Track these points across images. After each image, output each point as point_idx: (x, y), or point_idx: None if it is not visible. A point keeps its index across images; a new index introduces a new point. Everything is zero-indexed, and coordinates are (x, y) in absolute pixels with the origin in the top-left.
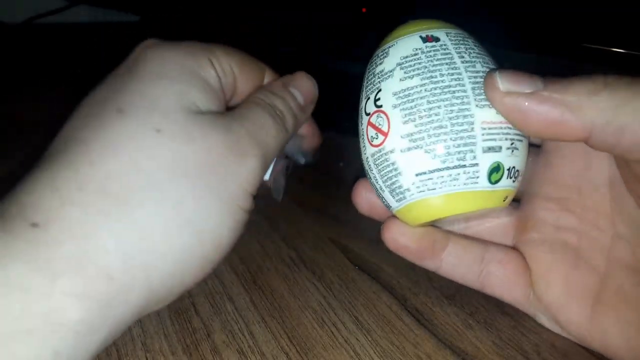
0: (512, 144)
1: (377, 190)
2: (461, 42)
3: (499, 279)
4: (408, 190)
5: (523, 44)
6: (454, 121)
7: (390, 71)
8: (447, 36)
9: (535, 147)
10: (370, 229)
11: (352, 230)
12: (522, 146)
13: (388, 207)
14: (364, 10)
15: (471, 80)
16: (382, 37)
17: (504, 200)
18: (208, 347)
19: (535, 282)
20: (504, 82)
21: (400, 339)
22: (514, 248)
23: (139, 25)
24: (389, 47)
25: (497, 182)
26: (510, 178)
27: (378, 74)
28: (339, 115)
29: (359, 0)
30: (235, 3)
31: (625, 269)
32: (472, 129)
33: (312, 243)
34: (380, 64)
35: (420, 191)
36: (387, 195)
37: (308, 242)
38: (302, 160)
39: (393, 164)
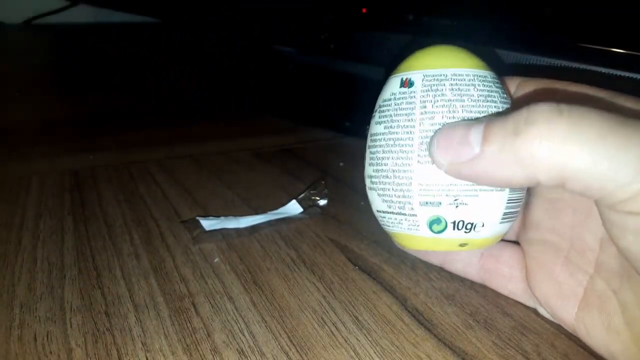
0: (455, 199)
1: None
2: (434, 87)
3: (494, 274)
4: (377, 219)
5: (520, 44)
6: (397, 174)
7: (375, 111)
8: (423, 81)
9: None
10: (370, 229)
11: (352, 230)
12: (476, 200)
13: None
14: (364, 10)
15: (422, 134)
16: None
17: (461, 246)
18: (208, 347)
19: (529, 278)
20: (440, 156)
21: (400, 339)
22: (516, 243)
23: (141, 27)
24: (387, 81)
25: (440, 232)
26: (460, 229)
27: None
28: (339, 115)
29: (359, 0)
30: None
31: (613, 273)
32: (410, 184)
33: (312, 243)
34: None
35: (382, 224)
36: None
37: (308, 242)
38: None
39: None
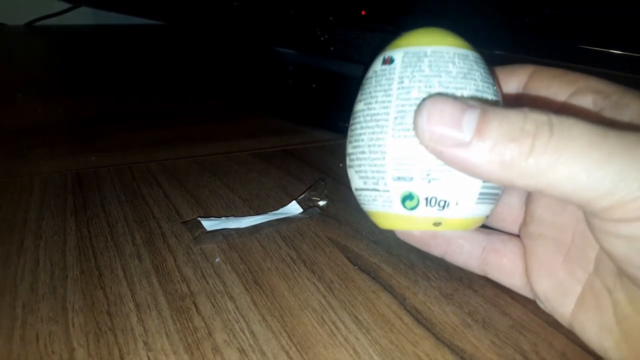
0: (428, 174)
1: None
2: (413, 64)
3: (497, 267)
4: (356, 198)
5: (518, 46)
6: (372, 149)
7: (359, 90)
8: (403, 57)
9: None
10: (370, 229)
11: (351, 230)
12: (449, 176)
13: None
14: (363, 13)
15: (398, 109)
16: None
17: (435, 225)
18: (209, 346)
19: (528, 272)
20: (428, 123)
21: (399, 338)
22: (518, 237)
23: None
24: (373, 61)
25: (413, 208)
26: (433, 206)
27: None
28: (339, 116)
29: (358, 2)
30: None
31: (609, 271)
32: (384, 158)
33: (312, 243)
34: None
35: (360, 202)
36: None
37: (308, 242)
38: None
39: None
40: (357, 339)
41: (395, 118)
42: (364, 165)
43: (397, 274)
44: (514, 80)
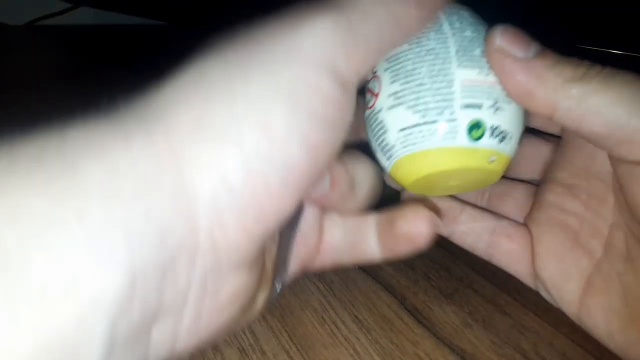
0: (495, 103)
1: (373, 152)
2: (455, 12)
3: (505, 252)
4: (394, 147)
5: None
6: (434, 79)
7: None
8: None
9: (557, 138)
10: None
11: None
12: (509, 107)
13: (383, 169)
14: None
15: (457, 43)
16: None
17: (489, 162)
18: (209, 345)
19: (535, 259)
20: (500, 39)
21: (399, 338)
22: (524, 225)
23: (143, 29)
24: None
25: (478, 139)
26: (495, 137)
27: None
28: None
29: None
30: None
31: (618, 257)
32: (451, 86)
33: None
34: None
35: (404, 146)
36: (380, 155)
37: None
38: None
39: (381, 122)
40: (358, 338)
41: (457, 51)
42: (425, 97)
43: (398, 273)
44: None
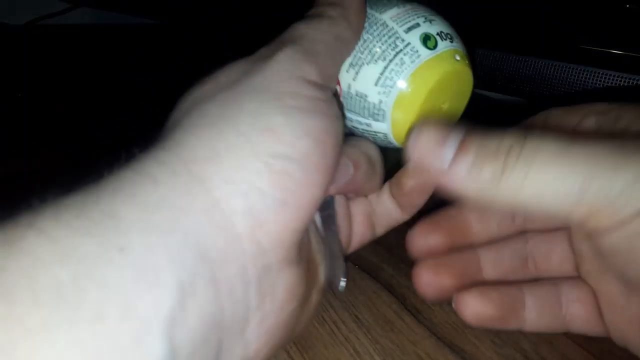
0: (425, 19)
1: (365, 134)
2: None
3: (583, 318)
4: (380, 102)
5: (520, 47)
6: (371, 32)
7: None
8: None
9: None
10: None
11: None
12: (438, 17)
13: (386, 137)
14: None
15: (369, 5)
16: None
17: (456, 60)
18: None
19: (602, 312)
20: (414, 155)
21: (400, 338)
22: (580, 279)
23: (143, 29)
24: None
25: (435, 46)
26: (446, 39)
27: None
28: None
29: None
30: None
31: None
32: (387, 26)
33: None
34: None
35: (386, 94)
36: (376, 126)
37: None
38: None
39: (355, 94)
40: (358, 338)
41: (371, 7)
42: (375, 46)
43: (398, 273)
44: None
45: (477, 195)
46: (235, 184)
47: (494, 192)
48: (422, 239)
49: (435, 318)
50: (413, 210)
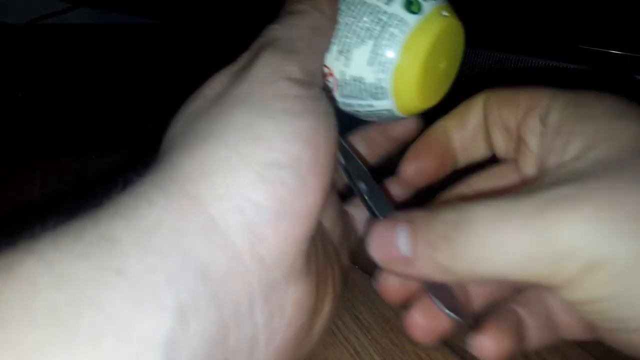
0: None
1: (369, 115)
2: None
3: (574, 327)
4: (380, 79)
5: (516, 46)
6: (351, 15)
7: None
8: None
9: None
10: None
11: None
12: None
13: (393, 112)
14: None
15: None
16: None
17: (445, 16)
18: None
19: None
20: (375, 254)
21: (399, 338)
22: None
23: (143, 29)
24: None
25: (420, 9)
26: (427, 0)
27: None
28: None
29: None
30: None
31: None
32: (364, 2)
33: None
34: None
35: (384, 71)
36: (379, 104)
37: None
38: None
39: (353, 80)
40: (358, 338)
41: None
42: (360, 27)
43: None
44: (472, 118)
45: (450, 279)
46: (228, 199)
47: (459, 273)
48: (412, 164)
49: None
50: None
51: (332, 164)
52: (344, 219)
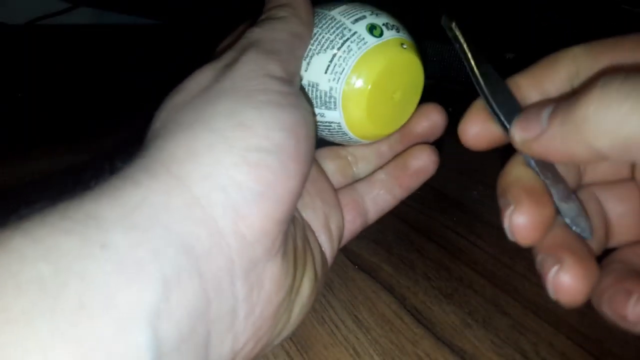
0: (372, 12)
1: (321, 126)
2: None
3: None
4: (330, 88)
5: (507, 46)
6: (320, 26)
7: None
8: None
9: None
10: (369, 228)
11: None
12: (383, 12)
13: (339, 125)
14: None
15: (317, 7)
16: None
17: (403, 48)
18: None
19: None
20: (516, 134)
21: (399, 338)
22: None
23: (143, 29)
24: None
25: (381, 34)
26: (392, 29)
27: None
28: None
29: None
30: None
31: None
32: (334, 19)
33: None
34: None
35: (336, 80)
36: (329, 115)
37: None
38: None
39: (308, 85)
40: (357, 338)
41: (322, 7)
42: (324, 38)
43: (397, 273)
44: (557, 77)
45: (577, 146)
46: (213, 179)
47: (590, 139)
48: (473, 126)
49: (434, 318)
50: (408, 193)
51: (311, 156)
52: (339, 209)
